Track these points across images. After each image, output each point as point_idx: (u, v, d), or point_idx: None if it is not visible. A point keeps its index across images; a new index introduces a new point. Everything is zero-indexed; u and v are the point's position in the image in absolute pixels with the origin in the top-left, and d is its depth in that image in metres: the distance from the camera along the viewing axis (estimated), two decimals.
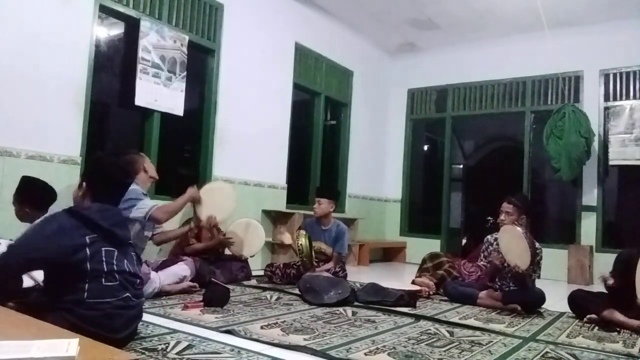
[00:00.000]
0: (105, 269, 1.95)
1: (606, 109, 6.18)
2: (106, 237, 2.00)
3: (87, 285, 1.91)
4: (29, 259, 1.91)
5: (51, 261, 1.91)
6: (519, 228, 3.52)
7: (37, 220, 2.16)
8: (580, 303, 3.40)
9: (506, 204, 3.79)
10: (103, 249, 1.98)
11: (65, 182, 3.73)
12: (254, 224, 4.51)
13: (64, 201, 3.75)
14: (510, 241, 3.53)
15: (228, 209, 3.94)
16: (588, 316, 3.25)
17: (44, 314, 1.88)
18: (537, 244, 3.65)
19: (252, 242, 4.43)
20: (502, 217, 3.77)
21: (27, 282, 2.27)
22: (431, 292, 4.09)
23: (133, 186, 3.25)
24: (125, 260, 2.07)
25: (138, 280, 2.14)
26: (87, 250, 1.92)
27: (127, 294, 2.02)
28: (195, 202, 3.77)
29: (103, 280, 1.94)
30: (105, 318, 1.90)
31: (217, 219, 3.83)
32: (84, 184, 2.19)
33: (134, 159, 3.67)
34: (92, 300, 1.90)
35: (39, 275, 2.34)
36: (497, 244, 3.72)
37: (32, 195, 3.11)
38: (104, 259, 1.97)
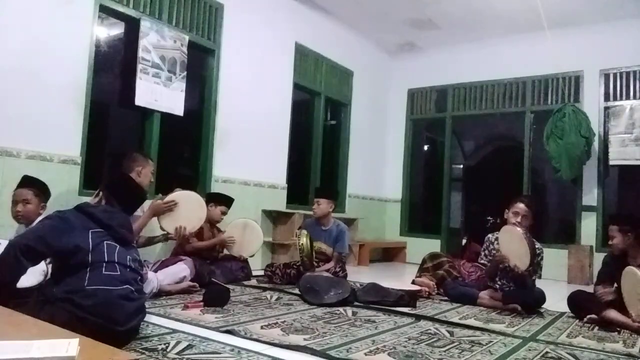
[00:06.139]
0: (106, 259, 2.04)
1: (606, 108, 6.18)
2: (109, 234, 2.13)
3: (87, 274, 1.98)
4: (28, 246, 1.99)
5: (56, 252, 2.02)
6: (519, 229, 3.50)
7: (44, 216, 2.29)
8: (580, 304, 3.39)
9: (523, 205, 3.63)
10: (105, 242, 2.09)
11: (65, 182, 3.74)
12: (251, 224, 4.50)
13: (62, 201, 3.75)
14: (511, 242, 3.52)
15: (197, 217, 3.74)
16: (588, 316, 3.25)
17: (42, 308, 1.90)
18: (537, 244, 3.64)
19: (250, 242, 4.43)
20: (518, 219, 3.61)
21: (27, 282, 2.26)
22: (432, 292, 4.09)
23: None
24: (128, 257, 2.15)
25: (139, 277, 2.21)
26: (90, 242, 2.03)
27: (128, 286, 2.07)
28: (159, 214, 3.60)
29: (103, 269, 2.02)
30: (105, 307, 1.94)
31: (187, 230, 3.66)
32: (101, 193, 2.39)
33: (137, 157, 3.65)
34: (91, 287, 1.95)
35: (37, 277, 2.36)
36: (498, 243, 3.71)
37: (46, 191, 3.14)
38: (105, 251, 2.06)
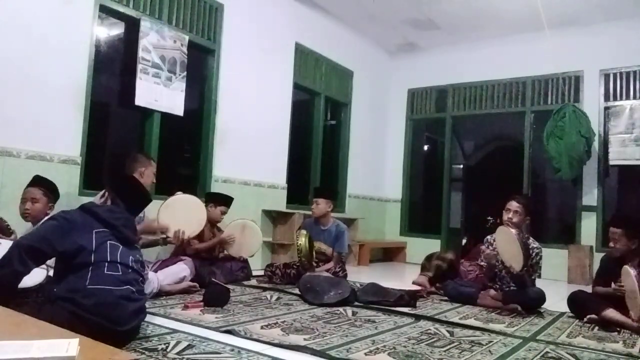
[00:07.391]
0: (109, 259, 2.05)
1: (606, 109, 6.18)
2: (113, 234, 2.14)
3: (89, 273, 1.98)
4: (32, 246, 2.00)
5: (60, 253, 2.02)
6: (512, 230, 3.51)
7: (49, 216, 2.31)
8: (580, 304, 3.40)
9: (515, 202, 3.70)
10: (109, 242, 2.10)
11: (65, 182, 3.74)
12: (250, 225, 4.48)
13: (62, 201, 3.75)
14: (506, 242, 3.53)
15: (197, 222, 3.75)
16: (588, 316, 3.25)
17: (42, 308, 1.90)
18: (535, 244, 3.65)
19: (249, 243, 4.42)
20: (509, 215, 3.66)
21: (27, 282, 2.26)
22: (427, 288, 4.12)
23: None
24: (130, 257, 2.16)
25: (140, 278, 2.21)
26: (94, 242, 2.04)
27: (129, 286, 2.07)
28: (149, 233, 3.58)
29: (105, 269, 2.02)
30: (106, 306, 1.94)
31: (186, 234, 3.65)
32: (106, 193, 2.42)
33: (139, 158, 3.65)
34: (92, 286, 1.95)
35: (38, 277, 2.36)
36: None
37: (55, 191, 3.13)
38: (108, 250, 2.07)
